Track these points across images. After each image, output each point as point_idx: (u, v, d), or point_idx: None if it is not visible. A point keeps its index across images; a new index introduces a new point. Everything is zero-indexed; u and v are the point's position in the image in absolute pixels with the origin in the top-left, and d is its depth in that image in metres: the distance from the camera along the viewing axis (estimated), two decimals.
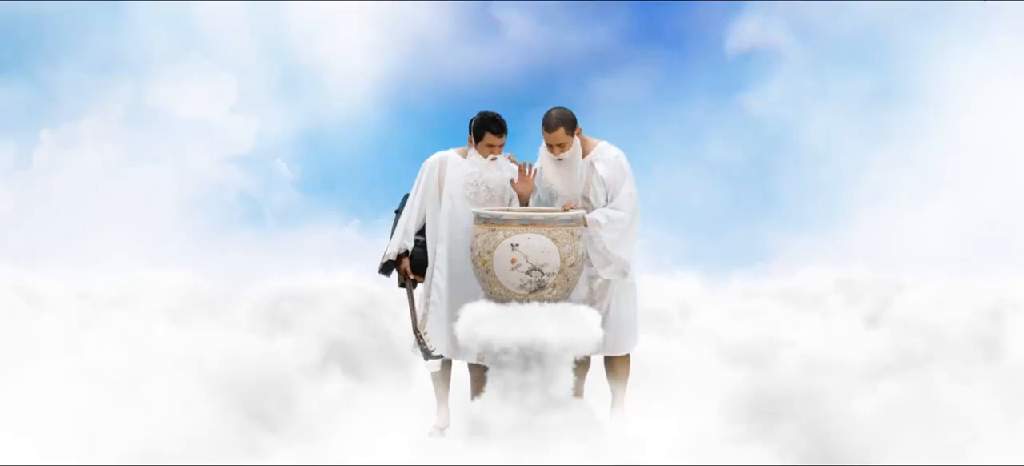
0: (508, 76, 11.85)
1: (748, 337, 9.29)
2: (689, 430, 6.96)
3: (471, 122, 7.40)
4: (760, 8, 12.14)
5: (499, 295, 6.95)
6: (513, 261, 6.88)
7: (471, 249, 7.03)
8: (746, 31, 12.23)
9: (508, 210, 7.17)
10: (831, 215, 11.97)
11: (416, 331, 7.40)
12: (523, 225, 6.89)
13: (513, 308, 6.87)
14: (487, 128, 7.32)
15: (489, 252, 6.92)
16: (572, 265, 6.95)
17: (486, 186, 7.37)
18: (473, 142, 7.37)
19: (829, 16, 12.11)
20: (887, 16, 11.90)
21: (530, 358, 6.81)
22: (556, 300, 6.95)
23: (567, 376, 6.87)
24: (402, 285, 7.51)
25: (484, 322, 6.86)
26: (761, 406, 6.79)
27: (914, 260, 11.03)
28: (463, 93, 11.25)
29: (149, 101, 11.29)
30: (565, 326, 6.82)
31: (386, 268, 7.50)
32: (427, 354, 7.36)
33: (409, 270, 7.45)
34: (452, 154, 7.47)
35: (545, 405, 6.82)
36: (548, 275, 6.90)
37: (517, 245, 6.87)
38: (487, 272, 6.94)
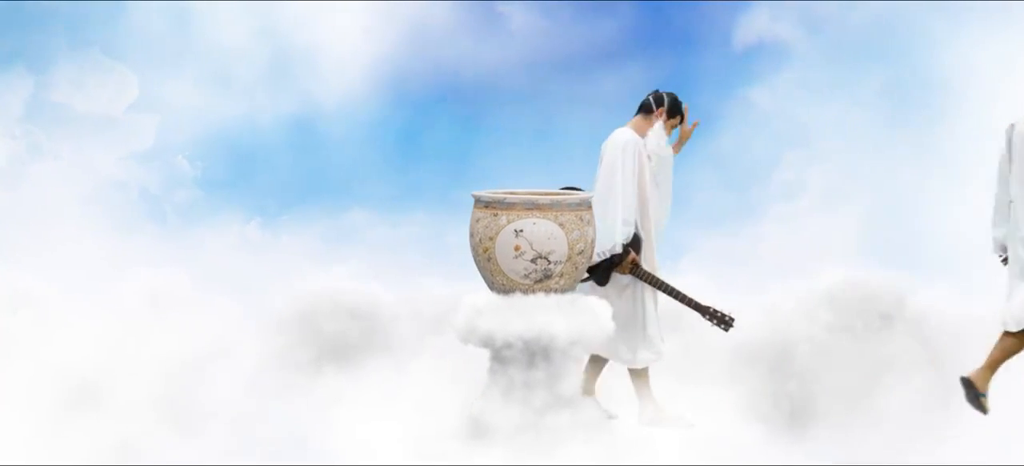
0: (509, 69, 11.61)
1: (762, 334, 9.04)
2: (709, 431, 6.72)
3: (662, 97, 7.38)
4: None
5: (502, 285, 6.59)
6: (517, 248, 6.52)
7: (471, 235, 6.68)
8: (754, 24, 12.02)
9: (511, 193, 6.83)
10: (840, 211, 11.73)
11: (709, 310, 7.22)
12: (527, 209, 6.53)
13: (517, 299, 6.51)
14: (680, 108, 7.41)
15: (491, 239, 6.56)
16: (580, 253, 6.59)
17: (661, 160, 7.36)
18: (664, 116, 7.35)
19: (840, 8, 11.89)
20: (900, 7, 11.67)
21: (536, 353, 6.46)
22: (563, 290, 6.59)
23: (575, 373, 6.53)
24: (602, 282, 7.13)
25: (485, 314, 6.52)
26: (782, 405, 6.62)
27: (930, 258, 10.76)
28: (462, 84, 11.00)
29: (49, 97, 11.14)
30: (573, 318, 6.46)
31: (603, 268, 7.14)
32: (728, 324, 7.21)
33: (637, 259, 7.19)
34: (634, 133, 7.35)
35: (551, 404, 6.47)
36: (555, 263, 6.53)
37: (521, 231, 6.51)
38: (489, 260, 6.58)
